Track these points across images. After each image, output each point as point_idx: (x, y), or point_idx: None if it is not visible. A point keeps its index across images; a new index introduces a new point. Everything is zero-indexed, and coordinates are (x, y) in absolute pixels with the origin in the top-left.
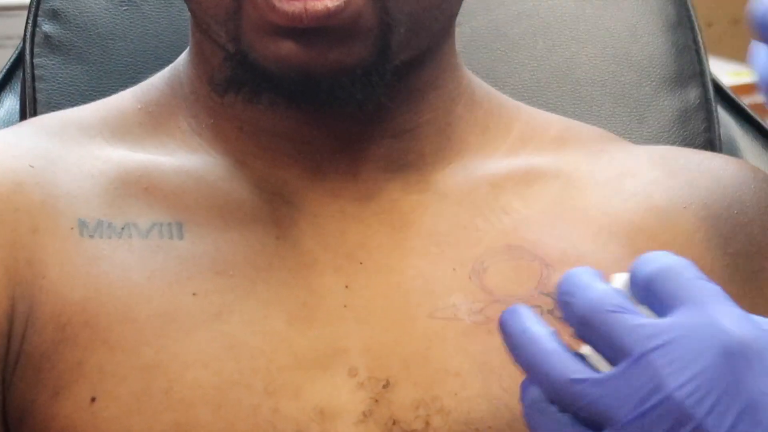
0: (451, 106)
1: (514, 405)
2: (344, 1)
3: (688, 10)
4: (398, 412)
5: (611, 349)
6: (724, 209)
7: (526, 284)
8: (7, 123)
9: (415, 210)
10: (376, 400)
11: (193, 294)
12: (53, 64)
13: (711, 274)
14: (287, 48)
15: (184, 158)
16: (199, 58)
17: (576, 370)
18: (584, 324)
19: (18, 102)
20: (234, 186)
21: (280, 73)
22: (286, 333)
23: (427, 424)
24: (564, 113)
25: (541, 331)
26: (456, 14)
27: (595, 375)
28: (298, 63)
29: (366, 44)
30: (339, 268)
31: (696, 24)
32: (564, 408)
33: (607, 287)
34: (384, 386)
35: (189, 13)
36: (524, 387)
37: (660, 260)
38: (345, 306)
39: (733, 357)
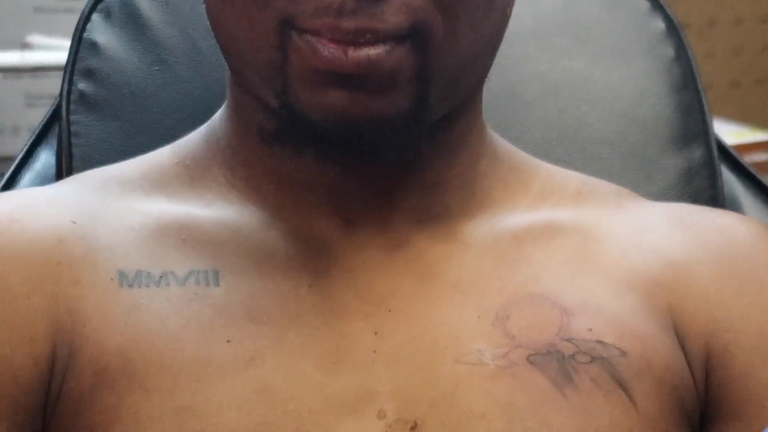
0: (476, 161)
1: None
2: (385, 51)
3: (692, 72)
4: None
5: None
6: (737, 264)
7: (547, 331)
8: (43, 175)
9: (442, 260)
10: None
11: (227, 341)
12: (88, 121)
13: (726, 324)
14: (332, 97)
15: (221, 209)
16: (238, 114)
17: None
18: None
19: (53, 156)
20: (268, 236)
21: (325, 123)
22: (316, 378)
23: None
24: (575, 171)
25: None
26: (487, 73)
27: None
28: (342, 112)
29: (406, 95)
30: (369, 315)
31: (700, 86)
32: None
33: None
34: (412, 428)
35: (222, 74)
36: None
37: None
38: (374, 351)
39: None
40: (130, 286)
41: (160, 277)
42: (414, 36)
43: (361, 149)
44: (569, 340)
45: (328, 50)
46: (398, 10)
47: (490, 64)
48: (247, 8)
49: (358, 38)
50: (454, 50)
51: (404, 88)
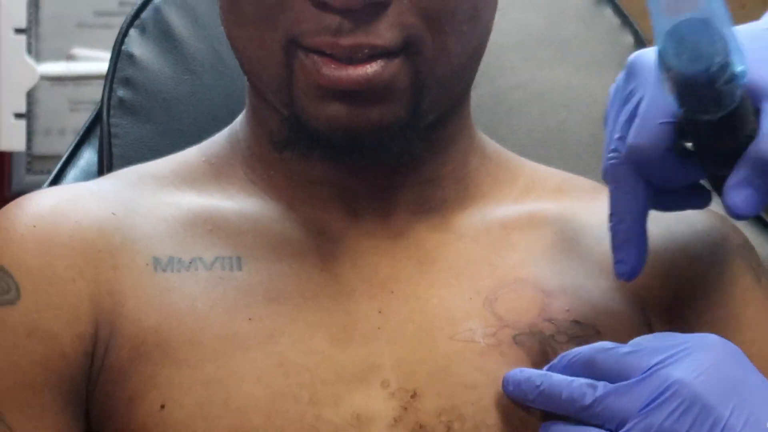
0: (467, 159)
1: (521, 413)
2: (381, 67)
3: None
4: (424, 418)
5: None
6: (697, 250)
7: (530, 312)
8: (86, 172)
9: (438, 247)
10: (405, 408)
11: (249, 319)
12: (126, 124)
13: (686, 302)
14: (334, 109)
15: (242, 202)
16: (256, 119)
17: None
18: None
19: (95, 155)
20: (285, 226)
21: (329, 132)
22: (328, 352)
23: (449, 428)
24: (555, 168)
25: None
26: (473, 80)
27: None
28: (343, 122)
29: (401, 104)
30: (373, 296)
31: None
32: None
33: None
34: (411, 396)
35: (243, 83)
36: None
37: None
38: (378, 328)
39: (724, 355)
40: (164, 270)
41: (190, 262)
42: (406, 50)
43: (361, 153)
44: (549, 320)
45: (329, 69)
46: (391, 27)
47: (476, 72)
48: (257, 29)
49: (356, 53)
50: (443, 62)
51: (399, 98)
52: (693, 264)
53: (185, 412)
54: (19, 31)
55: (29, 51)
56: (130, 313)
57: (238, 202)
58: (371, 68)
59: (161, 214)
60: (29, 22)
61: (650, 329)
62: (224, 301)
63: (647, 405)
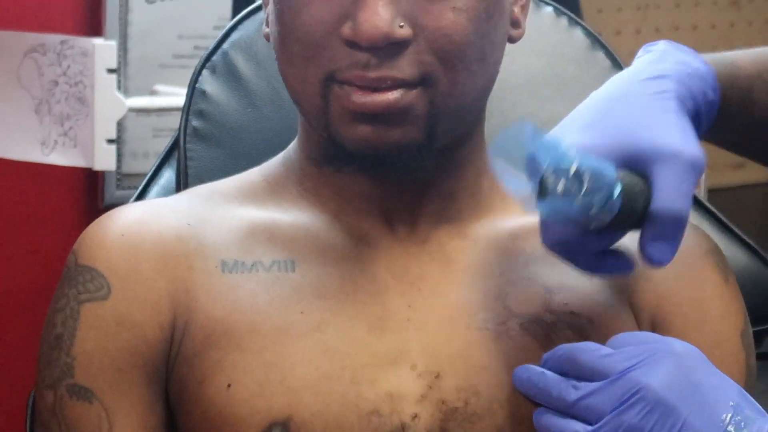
0: (479, 178)
1: None
2: (401, 95)
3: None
4: (445, 395)
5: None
6: (677, 255)
7: (535, 305)
8: (166, 188)
9: (457, 252)
10: (430, 387)
11: (301, 312)
12: (199, 149)
13: (667, 299)
14: (362, 130)
15: (295, 215)
16: (305, 142)
17: (570, 394)
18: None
19: (174, 174)
20: (331, 234)
21: (358, 149)
22: (366, 339)
23: (467, 403)
24: None
25: (541, 378)
26: (483, 111)
27: (588, 389)
28: (370, 140)
29: (417, 128)
30: (404, 292)
31: None
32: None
33: None
34: (435, 377)
35: (296, 115)
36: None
37: None
38: (408, 320)
39: (686, 359)
40: (230, 271)
41: (252, 265)
42: (423, 83)
43: (383, 168)
44: (551, 312)
45: (358, 96)
46: (410, 64)
47: (485, 104)
48: (301, 67)
49: (380, 84)
50: (454, 95)
51: (416, 122)
52: (671, 266)
53: (248, 390)
54: (110, 71)
55: (119, 87)
56: (202, 307)
57: (291, 215)
58: (392, 95)
59: (228, 225)
60: (119, 63)
61: (635, 319)
62: (280, 298)
63: (618, 406)
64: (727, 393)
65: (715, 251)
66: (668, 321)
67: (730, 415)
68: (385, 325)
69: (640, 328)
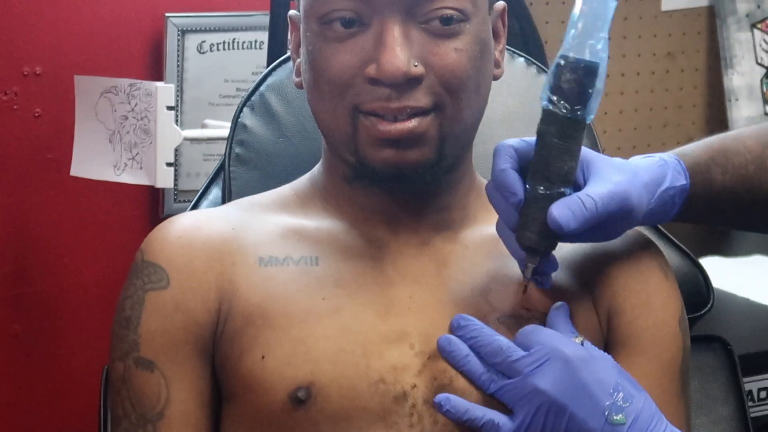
0: (468, 193)
1: None
2: (418, 122)
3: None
4: (436, 373)
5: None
6: (629, 257)
7: (512, 300)
8: (214, 202)
9: (450, 254)
10: (425, 364)
11: (323, 299)
12: (240, 171)
13: (620, 292)
14: (386, 153)
15: (319, 221)
16: (328, 166)
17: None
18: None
19: (220, 191)
20: (348, 237)
21: (382, 169)
22: (374, 322)
23: (451, 381)
24: None
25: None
26: (474, 137)
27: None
28: (393, 161)
29: (431, 148)
30: (406, 286)
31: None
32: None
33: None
34: (428, 357)
35: (318, 144)
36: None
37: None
38: (408, 308)
39: (572, 361)
40: (265, 265)
41: (283, 259)
42: (435, 110)
43: (404, 182)
44: (526, 309)
45: (383, 125)
46: (425, 95)
47: (476, 130)
48: (331, 102)
49: (400, 113)
50: (458, 119)
51: (430, 144)
52: (622, 265)
53: (278, 361)
54: (169, 108)
55: (176, 121)
56: (242, 294)
57: (316, 221)
58: (411, 123)
59: (264, 228)
60: (176, 102)
61: (594, 308)
62: (306, 286)
63: (520, 401)
64: (608, 383)
65: (658, 254)
66: (621, 309)
67: (609, 402)
68: (390, 311)
69: (598, 316)
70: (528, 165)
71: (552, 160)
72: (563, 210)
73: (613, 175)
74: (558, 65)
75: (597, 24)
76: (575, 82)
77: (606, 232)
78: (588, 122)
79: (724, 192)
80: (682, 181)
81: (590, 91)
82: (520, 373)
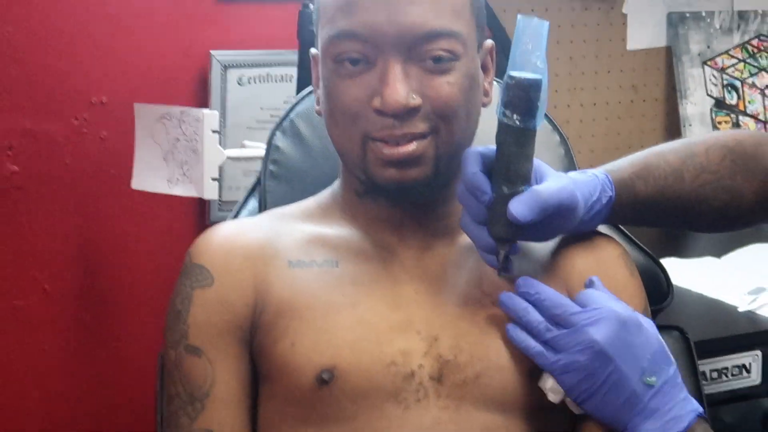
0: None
1: (498, 347)
2: (417, 145)
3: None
4: (441, 351)
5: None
6: (599, 257)
7: (502, 289)
8: (252, 212)
9: (449, 255)
10: (430, 346)
11: (342, 295)
12: (274, 185)
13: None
14: (390, 172)
15: (339, 230)
16: (345, 181)
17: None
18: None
19: (257, 203)
20: (363, 243)
21: (388, 185)
22: (386, 314)
23: (455, 356)
24: None
25: (524, 312)
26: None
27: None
28: (396, 179)
29: (429, 167)
30: (412, 283)
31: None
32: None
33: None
34: (435, 339)
35: (337, 162)
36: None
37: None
38: (415, 301)
39: (626, 323)
40: (294, 267)
41: (309, 262)
42: (431, 133)
43: (406, 196)
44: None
45: (388, 149)
46: (422, 121)
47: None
48: (344, 130)
49: (403, 139)
50: (451, 142)
51: (427, 163)
52: (591, 262)
53: (306, 348)
54: (214, 131)
55: (220, 143)
56: (275, 291)
57: (336, 229)
58: (412, 146)
59: (293, 235)
60: (220, 126)
61: (569, 294)
62: (328, 285)
63: (574, 347)
64: (649, 347)
65: (624, 254)
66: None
67: (647, 364)
68: (399, 305)
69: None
70: (492, 168)
71: (511, 164)
72: (519, 206)
73: (561, 179)
74: (507, 84)
75: (536, 43)
76: (523, 98)
77: (552, 227)
78: (536, 129)
79: (647, 200)
80: (609, 193)
81: (537, 103)
82: (576, 324)
